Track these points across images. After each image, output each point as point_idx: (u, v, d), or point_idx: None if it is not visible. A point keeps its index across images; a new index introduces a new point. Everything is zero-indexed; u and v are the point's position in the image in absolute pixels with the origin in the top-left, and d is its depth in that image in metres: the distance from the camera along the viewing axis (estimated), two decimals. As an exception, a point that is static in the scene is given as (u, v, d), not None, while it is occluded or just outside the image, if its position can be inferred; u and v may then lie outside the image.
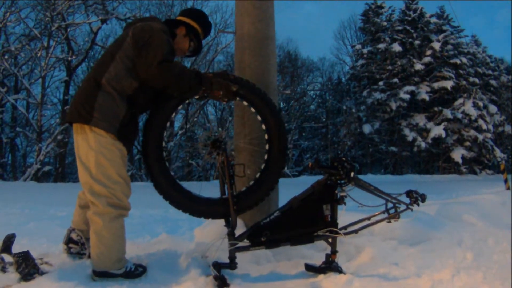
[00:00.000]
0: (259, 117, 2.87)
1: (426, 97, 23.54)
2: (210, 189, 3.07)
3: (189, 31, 2.88)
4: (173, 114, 2.85)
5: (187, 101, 2.92)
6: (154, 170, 2.72)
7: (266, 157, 2.89)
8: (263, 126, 2.88)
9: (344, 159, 2.72)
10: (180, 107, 2.87)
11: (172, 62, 2.47)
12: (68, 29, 18.05)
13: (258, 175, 2.89)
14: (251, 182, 2.89)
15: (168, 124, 2.87)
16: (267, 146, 2.88)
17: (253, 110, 2.87)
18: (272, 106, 2.88)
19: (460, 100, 23.44)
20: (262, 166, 2.90)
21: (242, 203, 2.80)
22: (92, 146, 2.48)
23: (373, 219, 2.79)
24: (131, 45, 2.53)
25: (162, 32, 2.54)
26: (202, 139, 2.85)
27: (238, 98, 2.79)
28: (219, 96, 2.62)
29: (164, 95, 2.70)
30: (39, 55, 17.12)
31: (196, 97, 2.74)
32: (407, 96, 23.41)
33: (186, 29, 2.87)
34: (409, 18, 25.68)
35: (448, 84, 23.41)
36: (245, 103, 2.86)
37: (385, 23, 26.08)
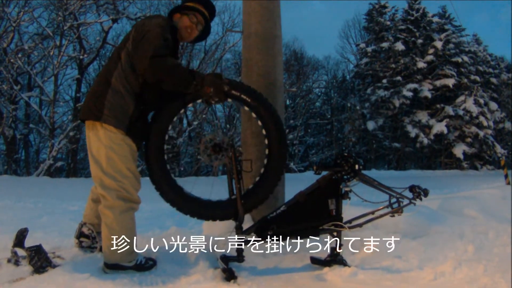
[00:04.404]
0: (253, 115, 2.85)
1: (429, 95, 23.45)
2: (217, 185, 3.10)
3: (183, 10, 2.88)
4: (175, 118, 2.84)
5: (189, 105, 2.87)
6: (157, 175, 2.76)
7: (267, 151, 2.85)
8: (260, 123, 2.85)
9: (346, 154, 2.76)
10: (182, 111, 2.87)
11: (164, 56, 2.49)
12: (80, 28, 18.02)
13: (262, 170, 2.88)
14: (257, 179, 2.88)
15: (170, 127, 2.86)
16: (266, 141, 2.84)
17: (246, 108, 2.85)
18: (268, 106, 2.84)
19: (462, 98, 23.35)
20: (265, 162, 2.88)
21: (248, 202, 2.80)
22: (103, 141, 2.55)
23: (377, 213, 2.81)
24: (132, 41, 2.59)
25: (158, 27, 2.56)
26: (204, 142, 2.82)
27: (229, 99, 2.76)
28: (210, 93, 2.57)
29: (168, 96, 2.73)
30: (51, 53, 17.06)
31: (197, 101, 2.77)
32: (410, 94, 23.32)
33: (180, 11, 2.88)
34: (412, 18, 25.51)
35: (450, 82, 23.30)
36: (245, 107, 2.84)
37: (388, 23, 25.93)
